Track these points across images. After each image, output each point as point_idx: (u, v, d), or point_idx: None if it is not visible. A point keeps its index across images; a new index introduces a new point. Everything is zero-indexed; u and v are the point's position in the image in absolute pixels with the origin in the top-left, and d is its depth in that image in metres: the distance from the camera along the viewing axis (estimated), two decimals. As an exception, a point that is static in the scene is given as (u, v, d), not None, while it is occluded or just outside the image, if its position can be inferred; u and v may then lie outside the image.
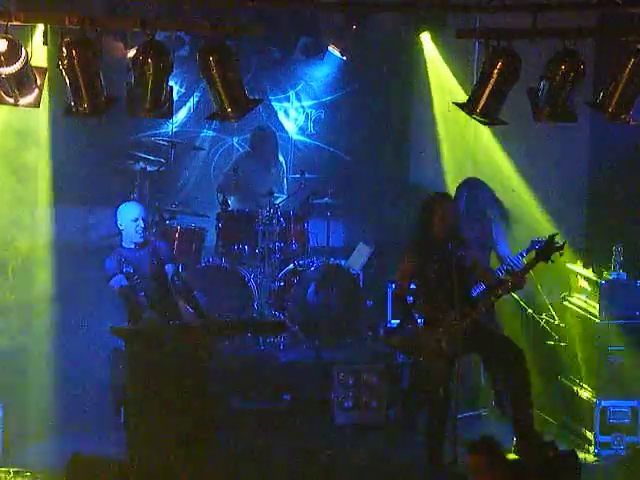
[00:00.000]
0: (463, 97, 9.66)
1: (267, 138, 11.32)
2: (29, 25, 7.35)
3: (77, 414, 8.94)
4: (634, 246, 9.08)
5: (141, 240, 8.43)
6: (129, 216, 8.48)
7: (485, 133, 10.50)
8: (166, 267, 8.50)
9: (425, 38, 10.44)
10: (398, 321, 8.02)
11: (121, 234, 8.58)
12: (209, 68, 7.43)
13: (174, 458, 7.68)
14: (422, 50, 10.55)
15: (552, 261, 7.91)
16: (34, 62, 7.47)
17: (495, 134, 10.00)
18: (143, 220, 8.48)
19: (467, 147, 10.79)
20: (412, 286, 8.09)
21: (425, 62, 10.61)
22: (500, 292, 7.85)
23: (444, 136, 10.76)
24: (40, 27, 7.42)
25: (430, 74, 10.65)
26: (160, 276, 8.38)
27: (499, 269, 9.23)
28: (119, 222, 8.53)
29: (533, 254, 8.07)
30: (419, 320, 7.98)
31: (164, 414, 7.66)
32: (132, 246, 8.47)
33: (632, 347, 8.84)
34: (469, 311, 7.69)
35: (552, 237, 7.88)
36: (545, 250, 7.84)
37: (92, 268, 9.88)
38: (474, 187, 9.66)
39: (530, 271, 8.04)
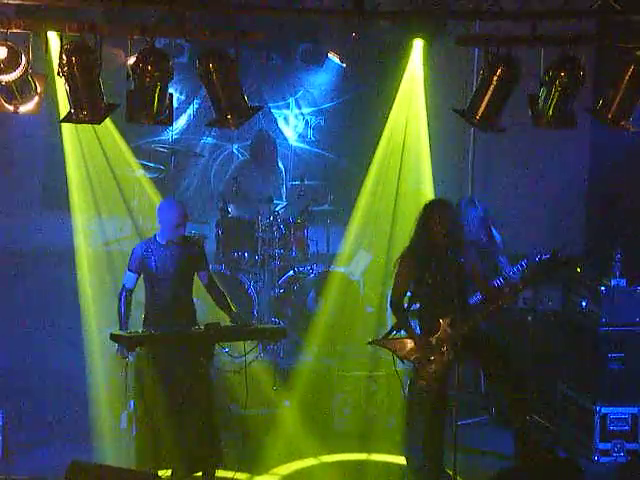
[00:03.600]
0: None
1: (267, 145, 11.32)
2: (29, 32, 7.36)
3: (77, 421, 8.95)
4: (634, 252, 9.08)
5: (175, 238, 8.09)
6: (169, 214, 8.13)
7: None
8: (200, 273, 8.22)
9: (416, 45, 10.43)
10: (393, 325, 7.99)
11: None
12: (209, 75, 7.44)
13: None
14: (408, 57, 10.54)
15: (552, 277, 7.89)
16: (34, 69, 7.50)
17: (494, 138, 10.00)
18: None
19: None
20: (409, 292, 8.08)
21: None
22: (499, 303, 7.79)
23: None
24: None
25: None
26: (185, 276, 8.17)
27: (497, 280, 9.20)
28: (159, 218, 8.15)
29: (534, 267, 8.03)
30: (417, 328, 7.97)
31: (168, 420, 7.70)
32: (164, 242, 8.07)
33: (632, 354, 8.84)
34: (466, 318, 7.68)
35: (554, 253, 7.82)
36: (547, 266, 7.81)
37: (93, 273, 9.91)
38: (472, 205, 9.65)
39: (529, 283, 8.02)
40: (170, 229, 8.06)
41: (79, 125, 9.34)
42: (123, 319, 8.00)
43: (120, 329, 7.94)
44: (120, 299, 8.05)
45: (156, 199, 10.50)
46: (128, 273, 8.08)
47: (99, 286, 10.05)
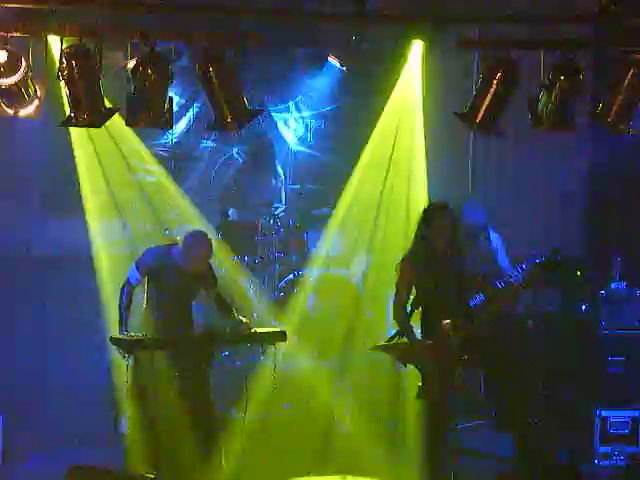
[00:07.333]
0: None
1: (265, 149, 11.33)
2: (29, 36, 7.36)
3: (76, 426, 8.94)
4: (634, 256, 9.09)
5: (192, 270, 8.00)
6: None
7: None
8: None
9: (415, 47, 10.41)
10: (395, 330, 7.98)
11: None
12: (209, 79, 7.45)
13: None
14: (407, 59, 10.52)
15: (552, 277, 7.90)
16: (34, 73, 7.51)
17: (494, 141, 10.00)
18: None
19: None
20: (411, 296, 8.08)
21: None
22: (499, 305, 7.83)
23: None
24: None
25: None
26: (191, 295, 8.15)
27: (498, 281, 9.20)
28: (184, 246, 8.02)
29: (533, 268, 8.03)
30: (417, 330, 7.97)
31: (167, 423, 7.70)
32: (179, 264, 7.96)
33: (632, 357, 8.84)
34: (467, 322, 7.68)
35: (553, 253, 7.84)
36: (545, 266, 7.82)
37: (90, 278, 9.90)
38: (472, 206, 9.66)
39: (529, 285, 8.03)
40: (191, 261, 7.95)
41: (91, 129, 9.30)
42: (124, 313, 7.91)
43: (120, 324, 7.88)
44: (123, 292, 7.98)
45: (165, 202, 10.50)
46: (134, 270, 7.98)
47: (94, 289, 10.05)
